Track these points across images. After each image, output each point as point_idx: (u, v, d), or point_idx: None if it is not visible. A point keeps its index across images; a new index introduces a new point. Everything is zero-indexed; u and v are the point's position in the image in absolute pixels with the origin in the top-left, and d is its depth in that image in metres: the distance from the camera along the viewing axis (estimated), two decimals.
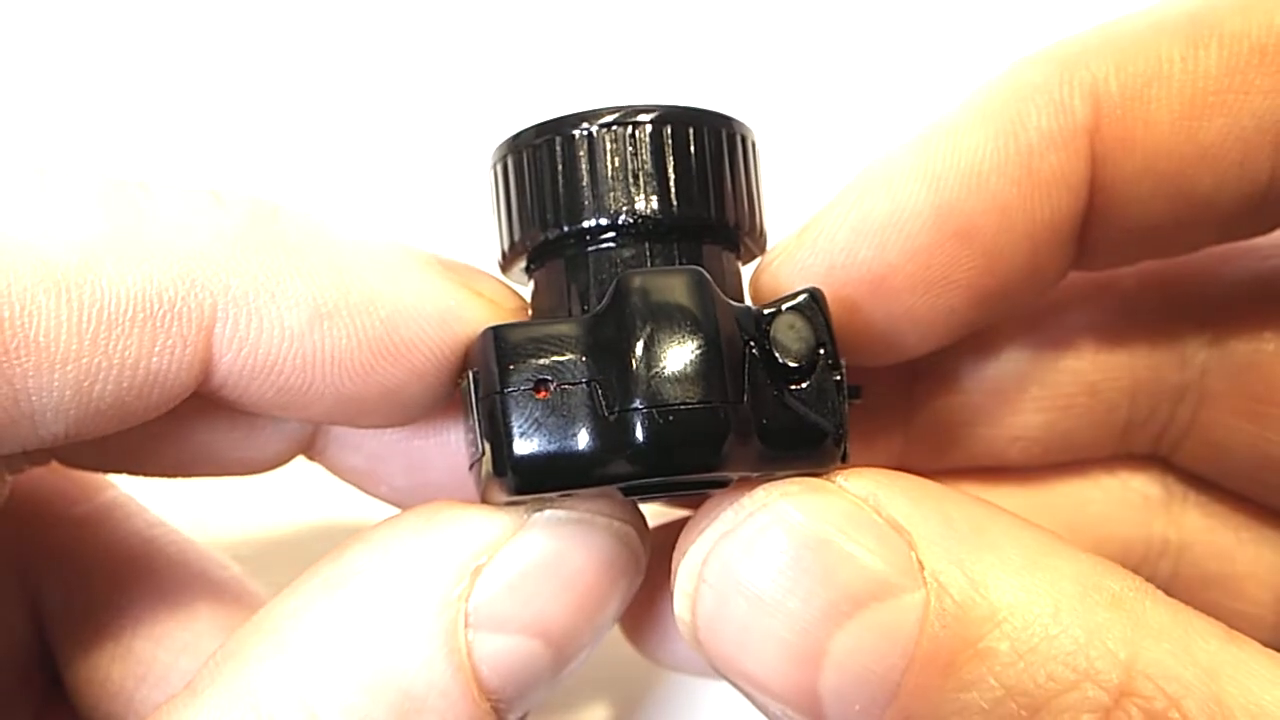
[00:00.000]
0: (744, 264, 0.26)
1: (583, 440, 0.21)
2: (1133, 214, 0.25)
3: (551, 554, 0.23)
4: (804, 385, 0.22)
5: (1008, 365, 0.30)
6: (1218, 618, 0.31)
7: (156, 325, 0.22)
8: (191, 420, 0.26)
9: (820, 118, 0.43)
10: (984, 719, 0.20)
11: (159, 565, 0.28)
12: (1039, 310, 0.30)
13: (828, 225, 0.25)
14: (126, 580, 0.28)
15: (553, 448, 0.21)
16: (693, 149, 0.24)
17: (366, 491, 0.28)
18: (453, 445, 0.27)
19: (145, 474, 0.28)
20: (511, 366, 0.22)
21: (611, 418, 0.21)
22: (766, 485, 0.22)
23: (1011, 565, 0.21)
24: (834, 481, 0.22)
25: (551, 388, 0.22)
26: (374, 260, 0.24)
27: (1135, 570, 0.31)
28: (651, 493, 0.23)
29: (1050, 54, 0.25)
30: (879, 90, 0.43)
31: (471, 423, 0.23)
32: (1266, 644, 0.31)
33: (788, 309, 0.22)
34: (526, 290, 0.26)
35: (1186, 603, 0.31)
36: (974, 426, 0.30)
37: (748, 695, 0.22)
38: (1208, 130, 0.24)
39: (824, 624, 0.21)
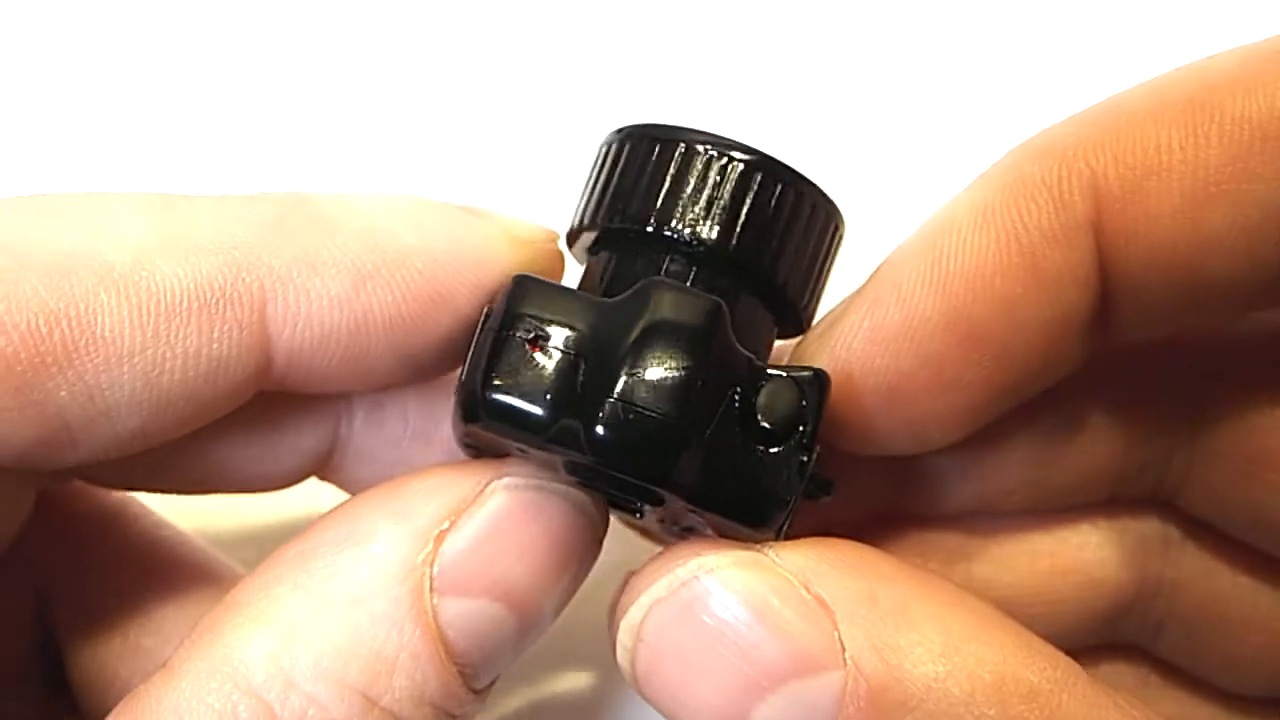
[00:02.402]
0: (783, 338, 0.27)
1: (548, 401, 0.22)
2: (1145, 302, 0.25)
3: (512, 519, 0.24)
4: (770, 451, 0.23)
5: (996, 423, 0.30)
6: (1211, 662, 0.31)
7: (212, 312, 0.23)
8: (210, 438, 0.27)
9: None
10: None
11: (166, 565, 0.30)
12: None
13: (846, 334, 0.26)
14: (134, 580, 0.29)
15: (519, 395, 0.22)
16: (773, 201, 0.25)
17: None
18: None
19: (163, 491, 0.29)
20: (519, 314, 0.23)
21: (583, 395, 0.22)
22: (701, 555, 0.23)
23: (932, 650, 0.21)
24: (768, 555, 0.23)
25: (546, 346, 0.23)
26: (402, 219, 0.25)
27: (1128, 611, 0.31)
28: (588, 480, 0.24)
29: (1048, 145, 0.25)
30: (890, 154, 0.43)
31: (469, 347, 0.24)
32: (1263, 691, 0.30)
33: (788, 376, 0.23)
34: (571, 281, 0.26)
35: (1182, 646, 0.31)
36: (964, 482, 0.30)
37: None
38: (1211, 221, 0.23)
39: (747, 695, 0.22)
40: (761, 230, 0.24)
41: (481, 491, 0.24)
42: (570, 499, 0.24)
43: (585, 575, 0.25)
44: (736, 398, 0.23)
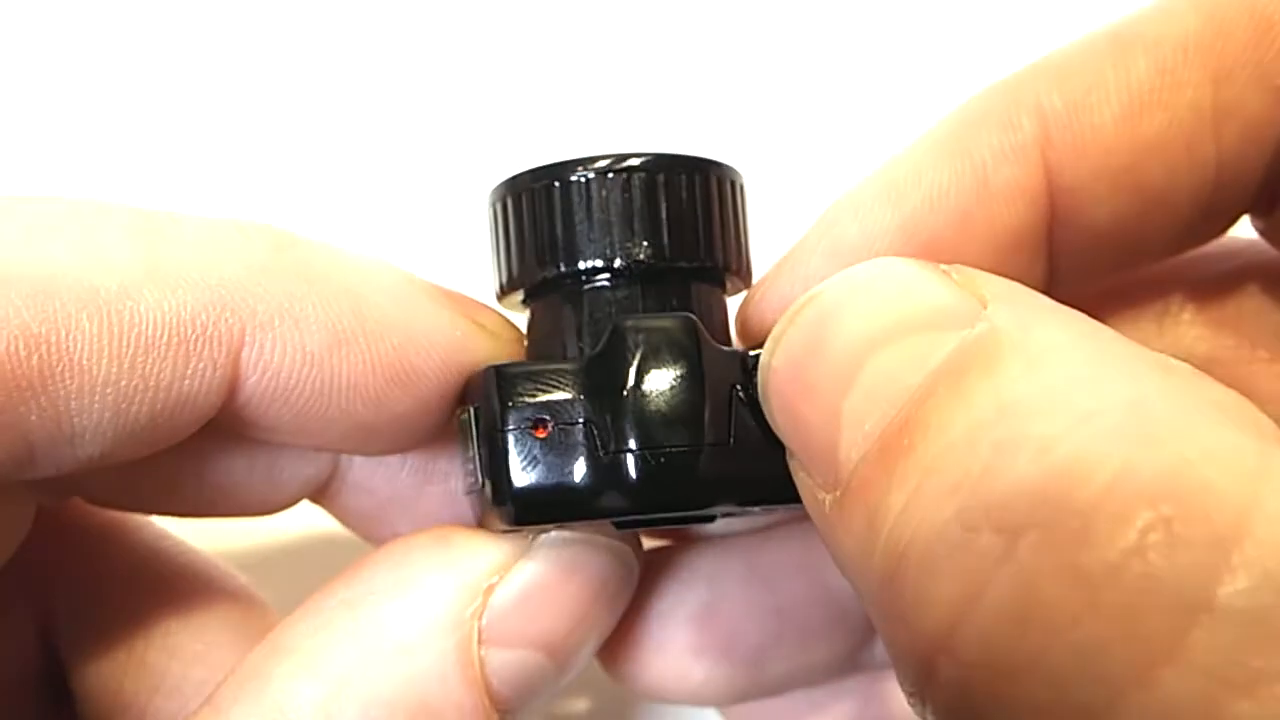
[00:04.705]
0: (731, 295, 0.27)
1: (578, 477, 0.23)
2: (1094, 215, 0.26)
3: (556, 573, 0.25)
4: None
5: None
6: None
7: (190, 349, 0.22)
8: (213, 462, 0.27)
9: (809, 159, 0.43)
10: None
11: (168, 576, 0.29)
12: None
13: (803, 254, 0.26)
14: (137, 592, 0.28)
15: (550, 484, 0.23)
16: (684, 195, 0.25)
17: (368, 538, 0.29)
18: (461, 500, 0.27)
19: (164, 513, 0.29)
20: (512, 405, 0.23)
21: (606, 458, 0.23)
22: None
23: (1074, 333, 0.19)
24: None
25: (550, 427, 0.23)
26: (387, 290, 0.25)
27: None
28: (641, 525, 0.25)
29: (993, 85, 0.26)
30: (865, 133, 0.44)
31: (471, 454, 0.24)
32: None
33: None
34: (521, 320, 0.27)
35: None
36: None
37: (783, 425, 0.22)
38: (1150, 124, 0.25)
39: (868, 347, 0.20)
40: (685, 225, 0.25)
41: (528, 547, 0.25)
42: (610, 550, 0.25)
43: (618, 618, 0.26)
44: (740, 393, 0.23)
